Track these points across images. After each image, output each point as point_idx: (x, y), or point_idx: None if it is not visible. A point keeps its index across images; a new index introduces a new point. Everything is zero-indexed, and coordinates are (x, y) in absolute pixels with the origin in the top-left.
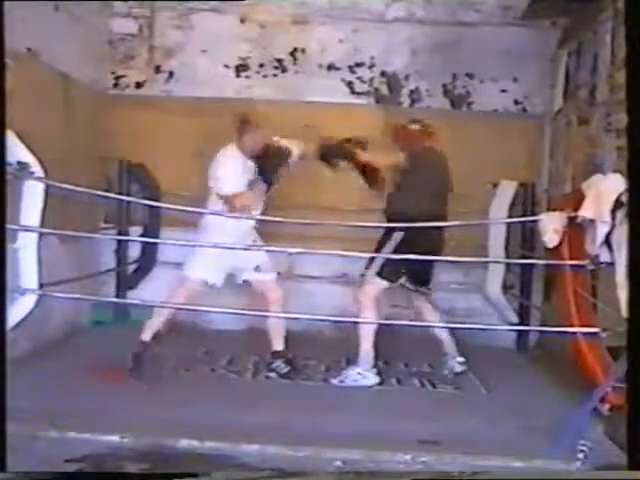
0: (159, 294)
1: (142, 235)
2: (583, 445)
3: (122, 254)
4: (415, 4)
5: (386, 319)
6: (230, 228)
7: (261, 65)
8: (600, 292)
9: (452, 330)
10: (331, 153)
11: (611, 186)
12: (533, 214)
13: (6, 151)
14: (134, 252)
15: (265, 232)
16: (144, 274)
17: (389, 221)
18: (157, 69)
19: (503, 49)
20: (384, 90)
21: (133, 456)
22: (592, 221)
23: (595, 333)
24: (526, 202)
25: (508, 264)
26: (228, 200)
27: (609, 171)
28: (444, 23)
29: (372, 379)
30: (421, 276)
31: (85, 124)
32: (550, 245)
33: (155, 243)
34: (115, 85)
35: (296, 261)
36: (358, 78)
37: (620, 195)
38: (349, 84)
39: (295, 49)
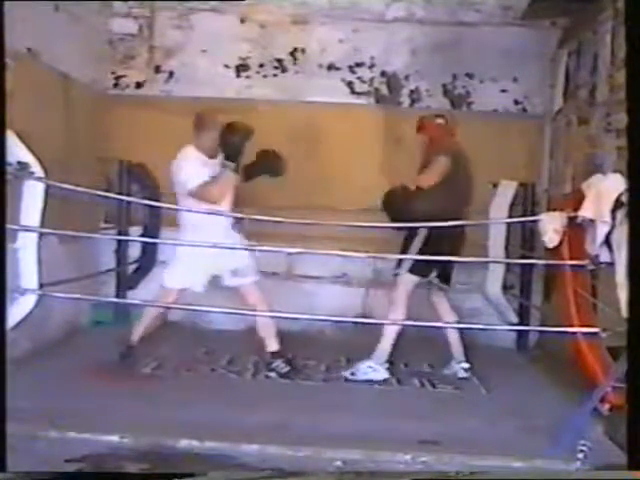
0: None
1: (142, 235)
2: (583, 445)
3: (122, 254)
4: (415, 4)
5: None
6: (209, 227)
7: (261, 65)
8: (600, 292)
9: (462, 334)
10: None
11: (611, 186)
12: (533, 214)
13: (6, 151)
14: (134, 252)
15: (265, 232)
16: (144, 274)
17: (413, 220)
18: (157, 69)
19: (503, 49)
20: (384, 90)
21: (133, 456)
22: (592, 221)
23: (595, 333)
24: (526, 202)
25: (508, 264)
26: (196, 195)
27: (609, 171)
28: (444, 23)
29: (382, 373)
30: (447, 271)
31: (85, 124)
32: (550, 245)
33: (155, 243)
34: (115, 85)
35: (296, 261)
36: (358, 78)
37: (620, 195)
38: (349, 84)
39: (295, 49)
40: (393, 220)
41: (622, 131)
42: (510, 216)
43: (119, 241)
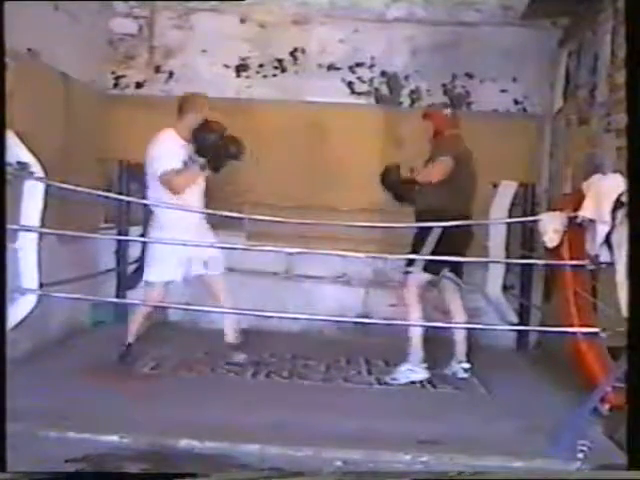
0: None
1: (142, 235)
2: (583, 445)
3: (122, 254)
4: (415, 4)
5: (385, 319)
6: (181, 221)
7: (261, 65)
8: (600, 292)
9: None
10: (395, 185)
11: (611, 186)
12: (533, 214)
13: (6, 151)
14: (134, 252)
15: (265, 232)
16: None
17: (419, 218)
18: (157, 69)
19: (503, 49)
20: (384, 90)
21: (133, 456)
22: (592, 221)
23: (595, 333)
24: (526, 202)
25: (508, 264)
26: (162, 180)
27: (609, 171)
28: (444, 23)
29: (422, 374)
30: (459, 267)
31: (85, 124)
32: (550, 245)
33: None
34: (115, 85)
35: (296, 261)
36: (358, 78)
37: (620, 195)
38: (349, 84)
39: (295, 49)
40: (395, 197)
41: (622, 131)
42: (510, 216)
43: (119, 241)
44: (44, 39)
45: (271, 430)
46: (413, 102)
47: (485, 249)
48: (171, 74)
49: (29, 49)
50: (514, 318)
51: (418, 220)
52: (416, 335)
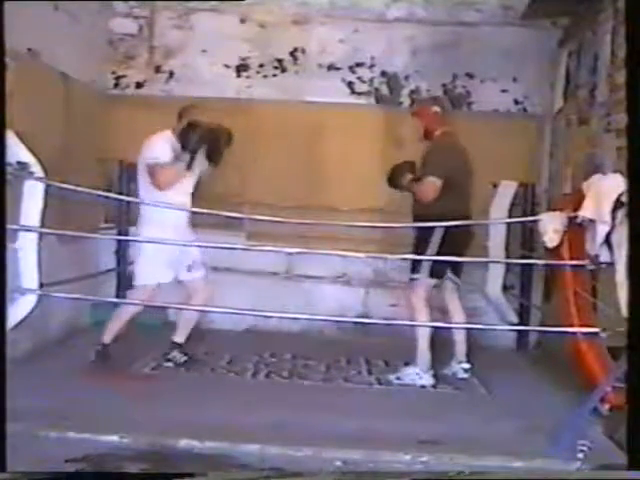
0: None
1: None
2: (583, 445)
3: (122, 254)
4: (415, 4)
5: (385, 319)
6: (169, 220)
7: (261, 65)
8: (600, 292)
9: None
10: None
11: (611, 186)
12: (533, 214)
13: (6, 151)
14: (134, 252)
15: (265, 232)
16: None
17: (416, 220)
18: (157, 69)
19: (503, 49)
20: (384, 90)
21: (133, 456)
22: (592, 221)
23: (595, 333)
24: (526, 202)
25: (508, 264)
26: (149, 172)
27: (609, 171)
28: (444, 23)
29: (428, 380)
30: (459, 267)
31: (85, 124)
32: (550, 245)
33: None
34: (115, 85)
35: (296, 261)
36: (358, 78)
37: (620, 195)
38: (349, 84)
39: (295, 49)
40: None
41: (622, 131)
42: (510, 216)
43: (119, 241)
44: (44, 39)
45: (271, 430)
46: (413, 102)
47: (485, 249)
48: (171, 74)
49: (29, 49)
50: (514, 318)
51: (417, 221)
52: (423, 339)
